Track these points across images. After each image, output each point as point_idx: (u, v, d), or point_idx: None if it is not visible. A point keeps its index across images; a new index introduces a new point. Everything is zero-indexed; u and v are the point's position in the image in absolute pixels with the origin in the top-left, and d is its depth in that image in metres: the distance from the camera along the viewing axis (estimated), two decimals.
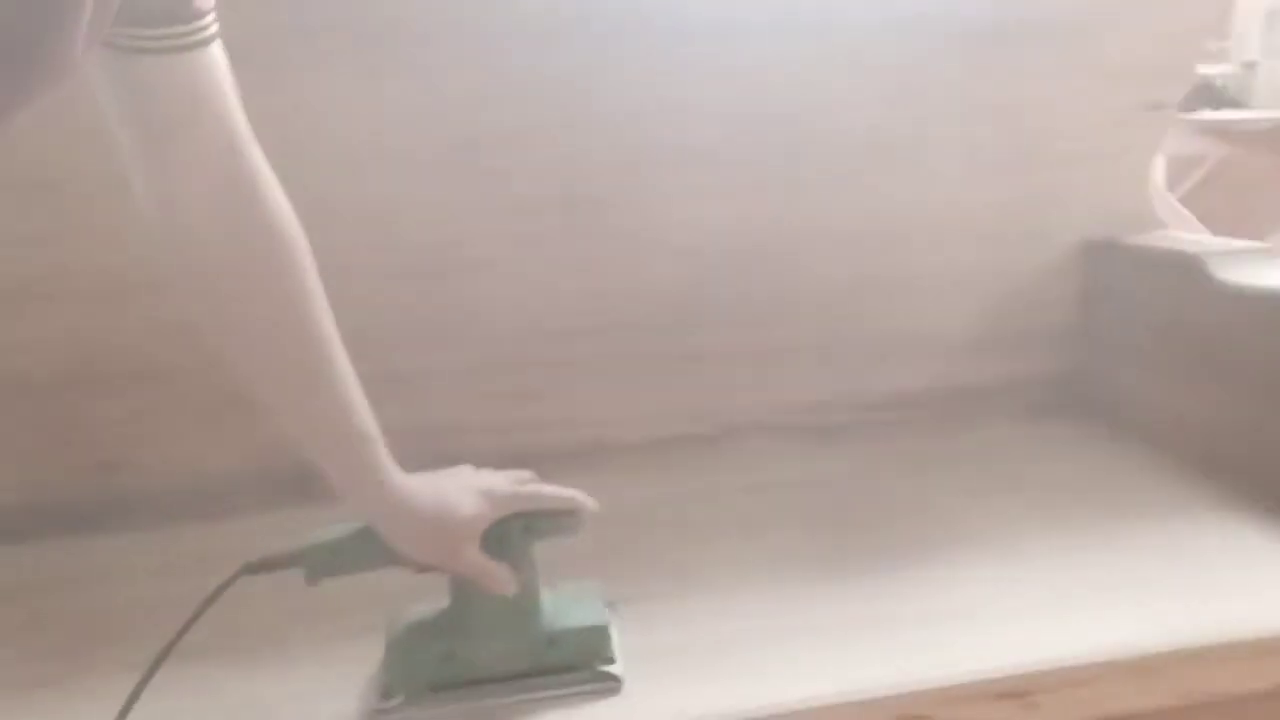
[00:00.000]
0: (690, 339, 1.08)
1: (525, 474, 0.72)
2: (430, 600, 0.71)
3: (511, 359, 1.05)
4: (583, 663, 0.70)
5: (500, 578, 0.67)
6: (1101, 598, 0.77)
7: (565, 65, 1.01)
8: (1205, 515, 0.90)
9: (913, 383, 1.14)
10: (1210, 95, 1.93)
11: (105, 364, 0.97)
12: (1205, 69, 2.00)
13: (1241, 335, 0.95)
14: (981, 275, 1.14)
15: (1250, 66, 1.86)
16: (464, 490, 0.67)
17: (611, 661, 0.70)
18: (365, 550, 0.67)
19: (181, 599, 0.85)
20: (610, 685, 0.69)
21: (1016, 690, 0.67)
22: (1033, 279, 1.15)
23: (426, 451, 1.03)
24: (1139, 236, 1.14)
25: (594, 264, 1.04)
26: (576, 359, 1.06)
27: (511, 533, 0.68)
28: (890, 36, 1.05)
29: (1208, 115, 1.94)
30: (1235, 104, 1.91)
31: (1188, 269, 1.01)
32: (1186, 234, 1.23)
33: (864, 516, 0.94)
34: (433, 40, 0.97)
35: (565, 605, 0.72)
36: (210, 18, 0.58)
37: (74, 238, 0.94)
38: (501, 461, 1.04)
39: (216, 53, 0.59)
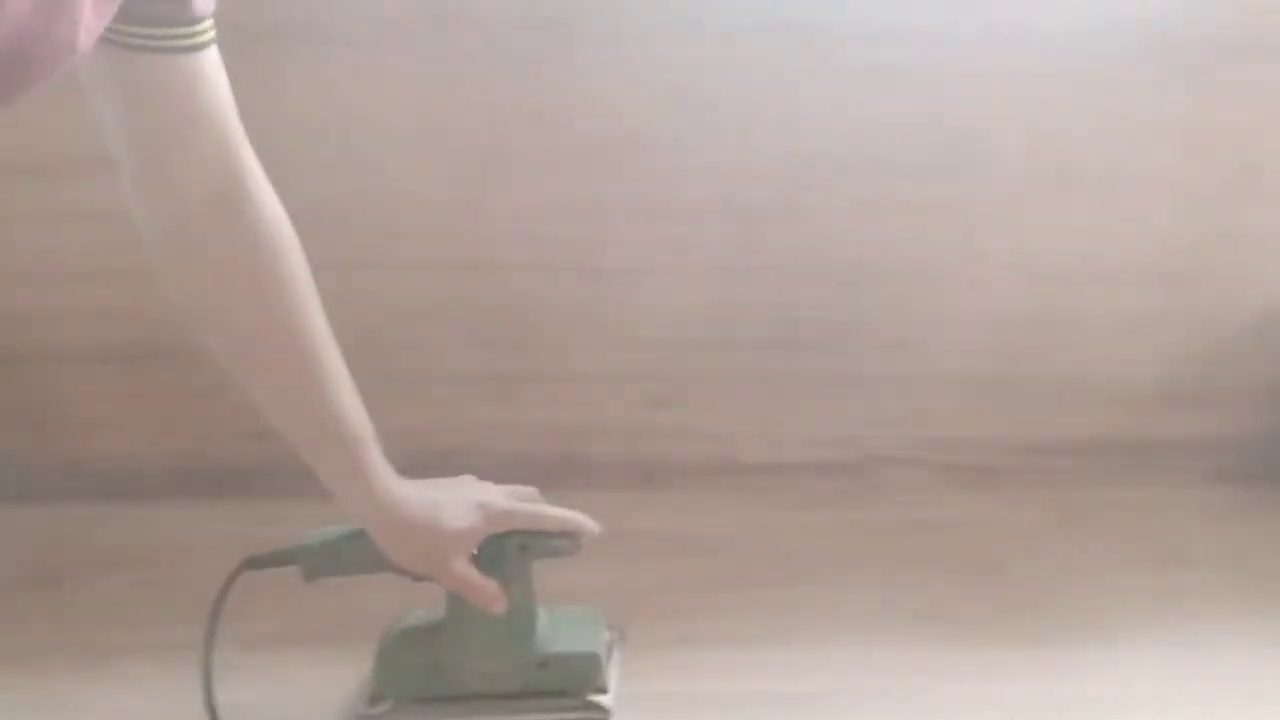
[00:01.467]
0: (842, 360, 1.02)
1: (528, 490, 0.70)
2: (430, 610, 0.70)
3: (651, 365, 1.01)
4: (573, 689, 0.69)
5: (488, 594, 0.65)
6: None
7: (728, 68, 0.96)
8: None
9: (1085, 430, 1.04)
10: None
11: None
12: None
13: None
14: (1173, 320, 1.02)
15: None
16: (460, 503, 0.66)
17: (603, 691, 0.69)
18: (358, 553, 0.67)
19: None
20: (597, 716, 0.68)
21: None
22: (1231, 328, 1.02)
23: (553, 451, 1.04)
24: None
25: (748, 275, 0.99)
26: (718, 371, 1.01)
27: (507, 550, 0.67)
28: (1080, 46, 0.95)
29: None
30: None
31: None
32: None
33: (1013, 575, 0.86)
34: (591, 38, 0.95)
35: (562, 629, 0.70)
36: (209, 22, 0.57)
37: None
38: (624, 471, 1.04)
39: (214, 56, 0.59)
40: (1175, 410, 1.03)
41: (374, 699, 0.69)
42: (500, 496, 0.68)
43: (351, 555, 0.67)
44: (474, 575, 0.65)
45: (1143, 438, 1.03)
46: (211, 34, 0.58)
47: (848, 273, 1.00)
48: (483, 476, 1.01)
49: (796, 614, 0.79)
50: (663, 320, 1.00)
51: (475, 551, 0.66)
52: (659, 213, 0.98)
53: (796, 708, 0.69)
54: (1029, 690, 0.68)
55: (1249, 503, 0.99)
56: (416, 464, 1.02)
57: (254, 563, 0.68)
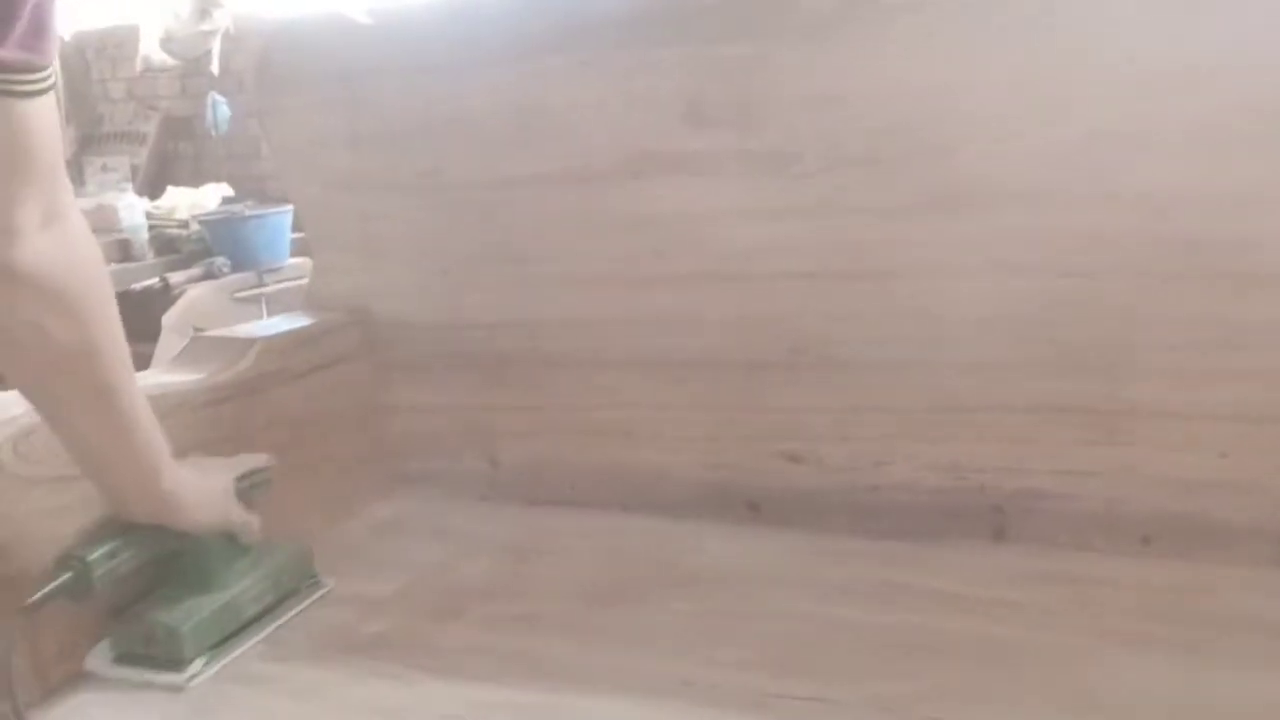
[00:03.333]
0: None
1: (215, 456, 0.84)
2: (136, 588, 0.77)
3: None
4: (303, 583, 0.85)
5: (256, 525, 0.82)
6: None
7: None
8: None
9: None
10: None
11: (813, 350, 0.91)
12: None
13: None
14: None
15: None
16: (205, 465, 0.80)
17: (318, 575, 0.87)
18: (139, 542, 0.74)
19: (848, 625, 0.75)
20: (324, 589, 0.86)
21: None
22: None
23: (1162, 509, 0.83)
24: None
25: None
26: None
27: (241, 490, 0.81)
28: None
29: None
30: None
31: None
32: None
33: None
34: None
35: (268, 543, 0.83)
36: (52, 69, 0.60)
37: (809, 213, 0.88)
38: (1265, 543, 0.81)
39: (53, 100, 0.62)
40: None
41: (178, 665, 0.73)
42: (214, 458, 0.83)
43: (133, 549, 0.73)
44: (247, 514, 0.81)
45: None
46: (54, 80, 0.61)
47: None
48: (1067, 529, 0.86)
49: None
50: None
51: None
52: None
53: None
54: None
55: None
56: (974, 504, 0.89)
57: (31, 608, 0.69)
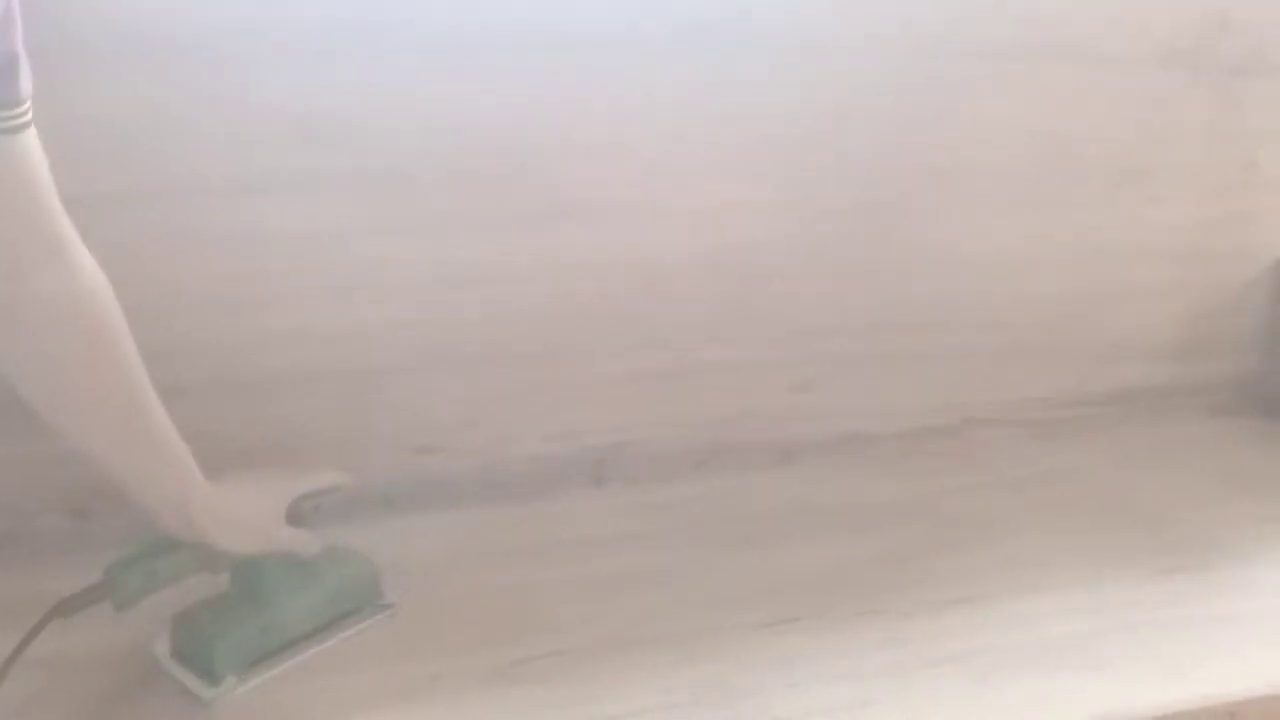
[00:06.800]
0: (944, 339, 1.16)
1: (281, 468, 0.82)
2: (192, 597, 0.76)
3: (790, 354, 1.11)
4: (366, 601, 0.82)
5: (310, 543, 0.79)
6: None
7: (869, 76, 1.05)
8: None
9: (1121, 382, 1.25)
10: None
11: (436, 351, 1.00)
12: None
13: None
14: (1188, 287, 1.25)
15: None
16: (258, 485, 0.77)
17: (383, 595, 0.83)
18: (178, 563, 0.72)
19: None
20: (390, 612, 0.82)
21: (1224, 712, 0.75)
22: (1232, 291, 1.27)
23: (700, 440, 1.12)
24: None
25: (877, 270, 1.11)
26: (845, 355, 1.13)
27: (303, 509, 0.79)
28: (1148, 72, 1.14)
29: None
30: None
31: None
32: None
33: (1118, 518, 1.03)
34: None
35: (333, 558, 0.81)
36: (29, 104, 0.60)
37: (405, 229, 0.96)
38: (772, 453, 1.14)
39: (34, 135, 0.61)
40: (1182, 361, 1.27)
41: (212, 680, 0.73)
42: (272, 473, 0.79)
43: (171, 567, 0.72)
44: (296, 532, 0.78)
45: (1159, 385, 1.26)
46: (31, 114, 0.60)
47: (965, 264, 1.14)
48: (648, 467, 1.10)
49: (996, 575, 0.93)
50: (798, 312, 1.10)
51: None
52: (806, 212, 1.07)
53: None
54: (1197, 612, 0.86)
55: (1238, 432, 1.25)
56: (581, 460, 1.08)
57: (65, 609, 0.69)
